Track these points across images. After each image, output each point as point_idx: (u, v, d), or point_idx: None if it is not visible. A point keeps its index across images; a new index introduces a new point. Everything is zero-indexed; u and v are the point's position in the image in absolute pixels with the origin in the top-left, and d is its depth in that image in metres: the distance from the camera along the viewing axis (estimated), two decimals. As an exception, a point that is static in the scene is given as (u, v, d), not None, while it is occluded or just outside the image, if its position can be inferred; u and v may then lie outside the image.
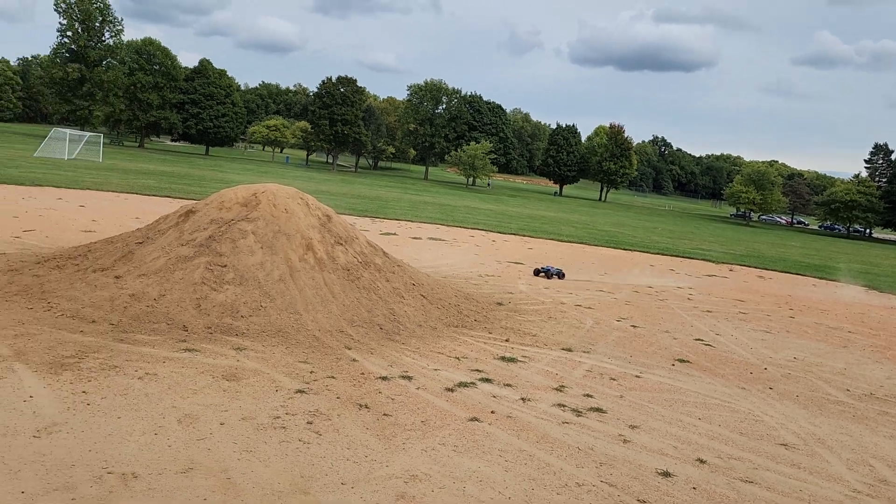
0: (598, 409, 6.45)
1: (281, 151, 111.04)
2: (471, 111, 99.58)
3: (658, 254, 25.19)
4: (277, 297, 8.23)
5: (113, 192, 24.18)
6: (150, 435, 4.78)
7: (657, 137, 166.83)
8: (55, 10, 76.26)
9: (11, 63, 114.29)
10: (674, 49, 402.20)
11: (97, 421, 4.90)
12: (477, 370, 7.30)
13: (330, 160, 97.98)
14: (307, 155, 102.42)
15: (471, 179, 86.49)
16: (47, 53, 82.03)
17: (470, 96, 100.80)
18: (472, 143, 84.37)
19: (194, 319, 7.57)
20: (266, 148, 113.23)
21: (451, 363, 7.47)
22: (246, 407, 5.49)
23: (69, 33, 77.00)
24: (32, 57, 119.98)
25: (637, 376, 7.87)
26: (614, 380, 7.60)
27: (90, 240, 11.73)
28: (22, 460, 4.21)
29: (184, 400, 5.47)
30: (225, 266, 8.44)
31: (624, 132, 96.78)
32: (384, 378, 6.64)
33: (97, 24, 77.88)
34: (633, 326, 10.80)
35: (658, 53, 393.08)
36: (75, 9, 76.45)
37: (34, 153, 42.64)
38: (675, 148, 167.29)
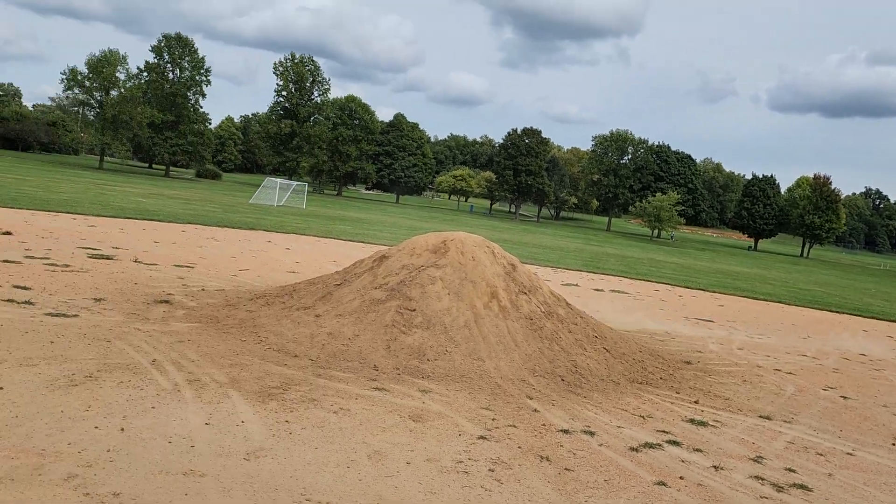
0: (803, 487, 5.87)
1: (466, 200, 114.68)
2: (657, 161, 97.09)
3: (872, 318, 22.69)
4: (462, 343, 8.42)
5: (314, 236, 26.23)
6: (343, 468, 5.04)
7: (870, 189, 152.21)
8: (274, 72, 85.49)
9: (235, 120, 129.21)
10: (892, 93, 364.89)
11: (298, 449, 5.26)
12: (663, 431, 6.96)
13: (512, 209, 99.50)
14: (490, 204, 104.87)
15: (655, 231, 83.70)
16: (265, 111, 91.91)
17: (657, 146, 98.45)
18: (659, 194, 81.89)
19: (384, 360, 7.94)
20: (452, 197, 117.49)
21: (635, 421, 7.19)
22: (430, 448, 5.63)
23: (284, 93, 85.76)
24: (252, 115, 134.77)
25: (849, 454, 7.08)
26: (821, 455, 6.88)
27: (294, 280, 12.77)
28: (234, 480, 4.62)
29: (373, 437, 5.73)
30: (414, 310, 8.80)
31: (830, 184, 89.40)
32: (566, 431, 6.53)
33: (308, 85, 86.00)
34: (844, 397, 9.76)
35: (872, 98, 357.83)
36: (290, 71, 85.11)
37: (249, 200, 47.48)
38: (892, 201, 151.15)
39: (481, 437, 6.04)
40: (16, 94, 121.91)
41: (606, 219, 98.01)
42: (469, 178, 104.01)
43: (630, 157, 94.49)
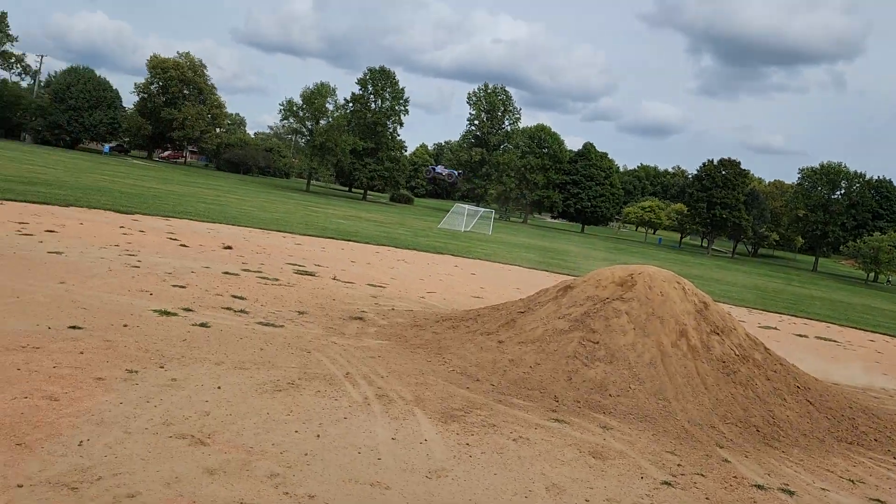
0: None
1: (654, 233, 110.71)
2: (876, 197, 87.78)
3: None
4: (646, 381, 8.11)
5: (498, 262, 26.62)
6: (521, 497, 5.04)
7: None
8: (467, 102, 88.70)
9: (429, 147, 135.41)
10: None
11: (477, 473, 5.33)
12: (877, 500, 6.21)
13: (704, 244, 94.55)
14: (681, 237, 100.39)
15: (871, 275, 75.41)
16: (456, 139, 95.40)
17: (876, 181, 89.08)
18: (877, 233, 73.81)
19: (564, 391, 7.85)
20: (639, 229, 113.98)
21: (842, 485, 6.48)
22: (611, 488, 5.47)
23: (476, 122, 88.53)
24: (445, 142, 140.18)
25: None
26: None
27: (478, 304, 13.04)
28: (416, 496, 4.78)
29: (552, 469, 5.67)
30: (597, 343, 8.63)
31: None
32: (760, 487, 6.04)
33: (499, 114, 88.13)
34: None
35: None
36: (483, 101, 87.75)
37: (438, 225, 49.27)
38: None
39: (665, 483, 5.76)
40: (241, 122, 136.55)
41: (812, 258, 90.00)
42: (658, 210, 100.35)
43: (843, 191, 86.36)
